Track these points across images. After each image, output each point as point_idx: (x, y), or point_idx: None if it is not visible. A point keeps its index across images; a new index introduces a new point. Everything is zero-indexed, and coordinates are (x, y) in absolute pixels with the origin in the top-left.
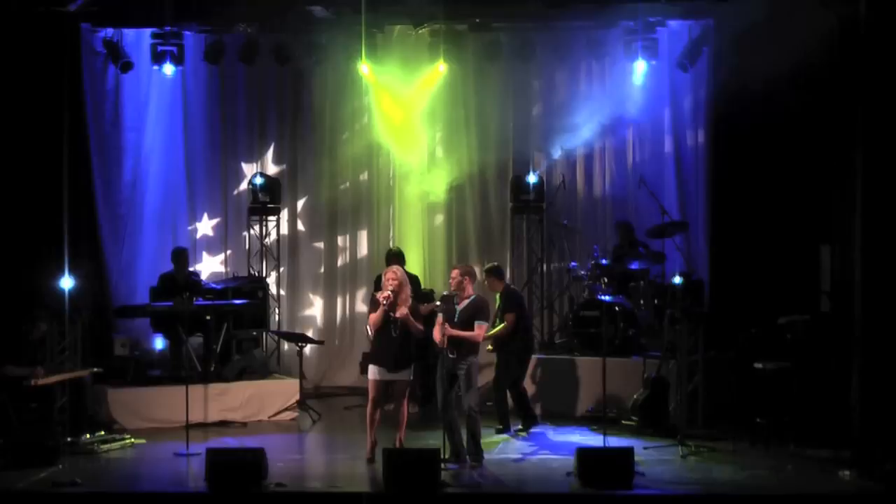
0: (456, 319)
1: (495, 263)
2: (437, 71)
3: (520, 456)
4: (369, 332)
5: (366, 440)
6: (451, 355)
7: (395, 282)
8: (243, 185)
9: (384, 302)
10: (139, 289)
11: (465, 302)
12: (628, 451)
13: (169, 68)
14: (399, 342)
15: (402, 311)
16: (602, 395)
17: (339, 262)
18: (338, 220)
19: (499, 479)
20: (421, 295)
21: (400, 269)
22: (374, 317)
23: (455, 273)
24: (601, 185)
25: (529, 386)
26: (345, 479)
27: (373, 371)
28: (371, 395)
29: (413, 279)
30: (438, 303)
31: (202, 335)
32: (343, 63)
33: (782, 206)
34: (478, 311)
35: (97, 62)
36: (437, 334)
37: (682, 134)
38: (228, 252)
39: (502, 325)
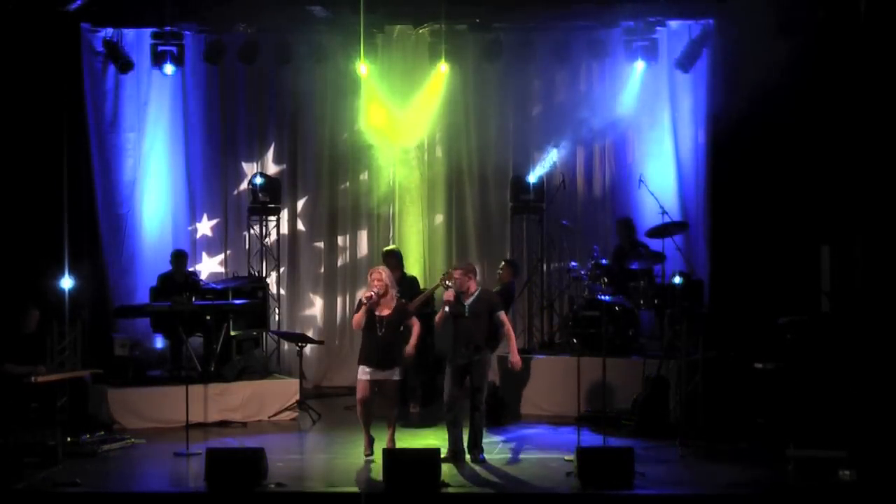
0: (467, 314)
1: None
2: (439, 71)
3: (520, 456)
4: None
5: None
6: (464, 350)
7: (381, 283)
8: (243, 185)
9: (366, 301)
10: (139, 289)
11: (472, 297)
12: (628, 451)
13: (169, 68)
14: (386, 341)
15: (385, 311)
16: (602, 395)
17: (339, 262)
18: (338, 220)
19: (499, 479)
20: (419, 295)
21: (386, 269)
22: (357, 316)
23: (458, 274)
24: (601, 185)
25: (530, 386)
26: (344, 478)
27: (360, 371)
28: (359, 395)
29: (411, 280)
30: (446, 308)
31: (202, 335)
32: (343, 63)
33: (782, 206)
34: (490, 303)
35: (97, 62)
36: (438, 321)
37: (682, 134)
38: (228, 252)
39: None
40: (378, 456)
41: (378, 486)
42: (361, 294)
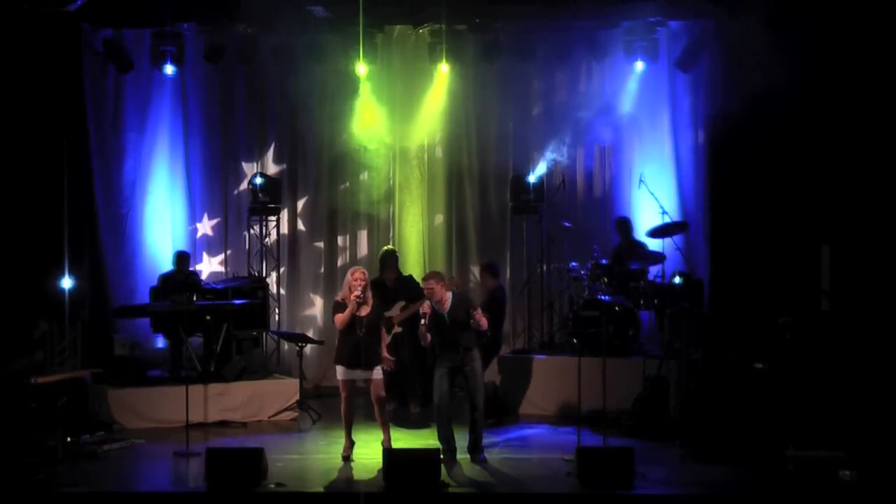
0: (448, 323)
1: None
2: (439, 71)
3: (520, 456)
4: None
5: (367, 440)
6: (453, 354)
7: (364, 282)
8: (243, 185)
9: (356, 299)
10: (139, 289)
11: (449, 305)
12: (628, 451)
13: (169, 68)
14: (366, 341)
15: (364, 311)
16: (602, 395)
17: (339, 262)
18: (338, 220)
19: (499, 479)
20: (419, 294)
21: (365, 270)
22: (342, 316)
23: (426, 285)
24: (601, 184)
25: (530, 386)
26: (344, 478)
27: (339, 371)
28: (343, 394)
29: (407, 279)
30: (423, 322)
31: (202, 335)
32: (343, 63)
33: (782, 205)
34: (466, 304)
35: (97, 62)
36: (423, 332)
37: (682, 134)
38: (228, 252)
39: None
40: (375, 455)
41: (378, 485)
42: (339, 295)
